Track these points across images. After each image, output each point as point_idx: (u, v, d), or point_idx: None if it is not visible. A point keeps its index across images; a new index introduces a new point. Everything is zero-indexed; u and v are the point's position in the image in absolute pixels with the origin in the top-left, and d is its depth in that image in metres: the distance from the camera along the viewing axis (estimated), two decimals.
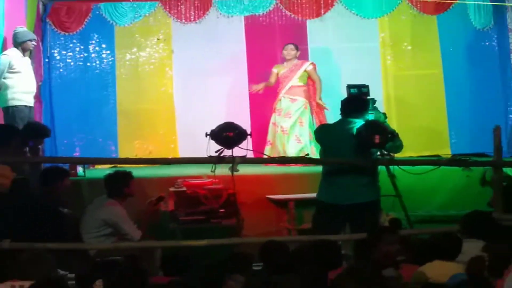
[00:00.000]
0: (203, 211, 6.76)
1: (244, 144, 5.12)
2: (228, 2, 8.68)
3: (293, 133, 7.97)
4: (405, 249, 4.50)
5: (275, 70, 8.26)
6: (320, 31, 9.16)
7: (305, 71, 8.13)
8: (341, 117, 5.50)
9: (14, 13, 7.61)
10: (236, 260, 4.30)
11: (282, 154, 7.70)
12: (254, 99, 8.84)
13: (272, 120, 8.20)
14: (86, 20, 8.63)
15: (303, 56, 8.58)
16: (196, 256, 4.71)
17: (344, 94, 6.28)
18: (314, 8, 8.76)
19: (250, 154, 5.61)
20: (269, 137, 8.17)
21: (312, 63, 8.25)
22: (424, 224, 6.73)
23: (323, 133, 5.82)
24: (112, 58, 8.83)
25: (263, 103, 8.73)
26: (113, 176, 6.02)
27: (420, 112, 9.19)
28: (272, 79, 8.21)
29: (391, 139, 5.28)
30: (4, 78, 7.02)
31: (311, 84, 8.20)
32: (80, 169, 7.57)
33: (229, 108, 8.80)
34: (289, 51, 8.19)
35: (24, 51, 7.20)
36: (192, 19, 8.63)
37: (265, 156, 7.22)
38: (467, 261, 3.93)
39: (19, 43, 7.17)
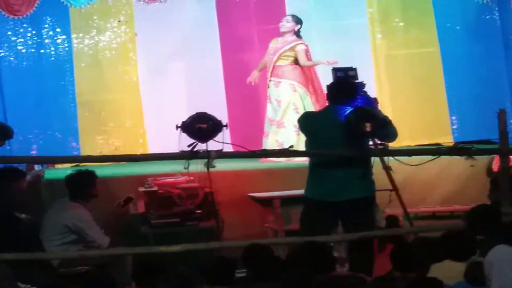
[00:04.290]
0: (178, 213, 6.76)
1: (220, 137, 5.12)
2: None
3: (290, 122, 7.77)
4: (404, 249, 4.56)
5: (271, 45, 8.04)
6: (300, 8, 8.79)
7: (292, 49, 7.79)
8: (328, 104, 5.58)
9: None
10: (216, 267, 4.31)
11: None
12: (230, 86, 8.78)
13: (267, 112, 8.14)
14: (36, 1, 8.28)
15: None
16: (171, 264, 4.68)
17: (329, 79, 6.09)
18: None
19: (228, 148, 5.71)
20: (266, 128, 8.04)
21: (304, 44, 7.96)
22: (425, 221, 6.85)
23: (308, 121, 5.80)
24: (69, 44, 8.54)
25: (244, 90, 8.66)
26: (75, 176, 6.05)
27: (416, 96, 9.00)
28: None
29: (383, 127, 5.35)
30: None
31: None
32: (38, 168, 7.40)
33: (202, 97, 8.56)
34: (284, 22, 7.86)
35: None
36: None
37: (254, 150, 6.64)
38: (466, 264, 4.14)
39: None
